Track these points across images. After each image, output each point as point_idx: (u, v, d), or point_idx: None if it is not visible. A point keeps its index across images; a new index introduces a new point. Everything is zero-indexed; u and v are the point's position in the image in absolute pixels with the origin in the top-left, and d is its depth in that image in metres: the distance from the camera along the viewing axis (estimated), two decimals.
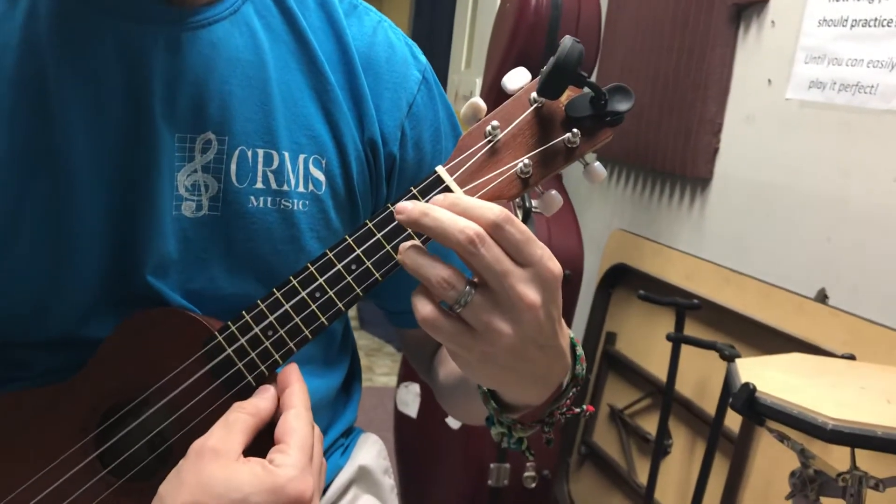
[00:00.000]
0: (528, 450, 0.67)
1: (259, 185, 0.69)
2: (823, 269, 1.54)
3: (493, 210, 0.54)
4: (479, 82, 2.81)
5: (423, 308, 0.55)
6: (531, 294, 0.54)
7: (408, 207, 0.55)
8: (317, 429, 0.62)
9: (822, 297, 1.52)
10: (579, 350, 0.63)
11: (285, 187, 0.69)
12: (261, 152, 0.69)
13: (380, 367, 3.48)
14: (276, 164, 0.69)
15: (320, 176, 0.71)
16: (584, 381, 0.65)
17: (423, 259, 0.55)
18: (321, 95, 0.72)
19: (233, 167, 0.68)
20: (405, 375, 2.09)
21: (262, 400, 0.61)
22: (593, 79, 0.64)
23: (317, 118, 0.71)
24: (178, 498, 0.55)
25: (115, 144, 0.64)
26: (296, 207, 0.70)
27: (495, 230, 0.54)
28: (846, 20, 1.51)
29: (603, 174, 0.63)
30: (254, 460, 0.57)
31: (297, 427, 0.59)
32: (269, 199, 0.69)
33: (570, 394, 0.64)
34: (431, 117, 0.77)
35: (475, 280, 0.55)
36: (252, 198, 0.68)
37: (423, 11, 3.78)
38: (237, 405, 0.61)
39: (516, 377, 0.59)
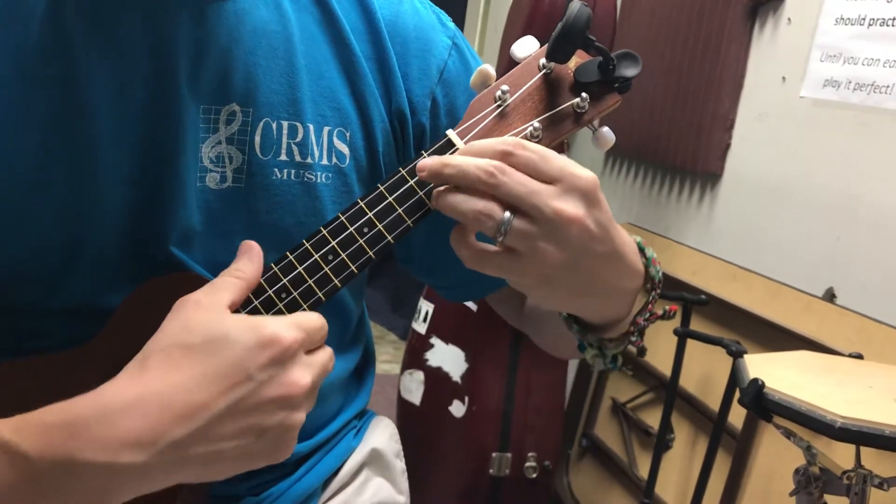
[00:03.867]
0: (625, 366, 0.68)
1: (283, 157, 0.69)
2: (832, 268, 1.54)
3: (505, 141, 0.57)
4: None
5: (465, 248, 0.57)
6: (570, 207, 0.55)
7: (428, 163, 0.58)
8: (322, 321, 0.60)
9: (829, 297, 1.52)
10: (649, 252, 0.64)
11: (309, 160, 0.69)
12: (285, 124, 0.68)
13: (382, 355, 3.48)
14: (300, 136, 0.69)
15: (344, 149, 0.71)
16: (661, 284, 0.65)
17: (457, 197, 0.57)
18: (346, 67, 0.71)
19: (257, 139, 0.68)
20: (409, 363, 2.10)
21: (249, 263, 0.61)
22: None
23: (342, 90, 0.71)
24: (160, 342, 0.54)
25: (140, 115, 0.63)
26: (319, 180, 0.70)
27: (511, 158, 0.56)
28: (863, 19, 1.50)
29: (612, 140, 0.65)
30: (236, 314, 0.56)
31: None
32: (293, 171, 0.69)
33: (651, 298, 0.64)
34: (465, 82, 0.76)
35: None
36: (276, 170, 0.68)
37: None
38: (227, 269, 0.60)
39: (585, 293, 0.59)
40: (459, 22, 3.41)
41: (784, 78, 1.69)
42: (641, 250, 0.63)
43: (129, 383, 0.53)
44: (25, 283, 0.65)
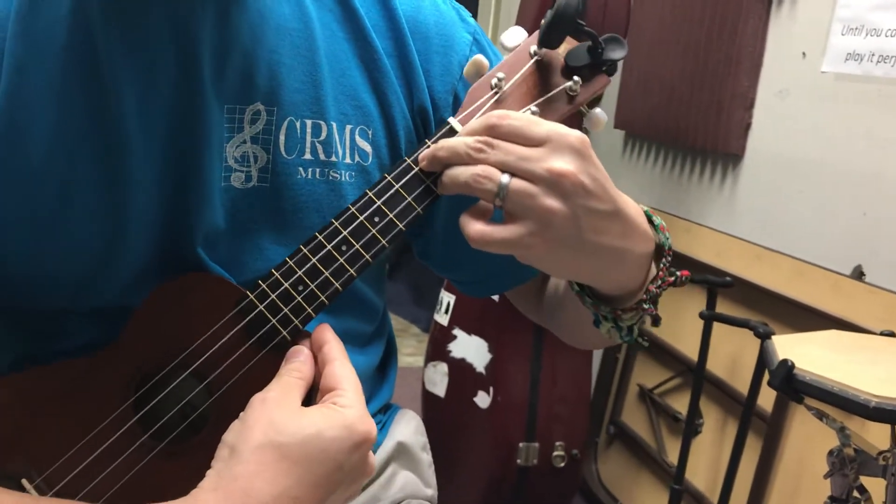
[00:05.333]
0: (641, 338, 0.69)
1: (307, 156, 0.69)
2: (859, 245, 1.52)
3: (488, 116, 0.60)
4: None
5: (471, 225, 0.59)
6: (561, 164, 0.57)
7: (425, 153, 0.62)
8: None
9: (858, 274, 1.50)
10: (656, 220, 0.65)
11: (333, 158, 0.69)
12: (309, 123, 0.68)
13: (406, 348, 3.48)
14: (324, 134, 0.69)
15: (367, 147, 0.71)
16: (671, 251, 0.66)
17: (455, 168, 0.60)
18: (368, 65, 0.71)
19: (282, 138, 0.68)
20: (432, 355, 2.09)
21: (304, 364, 0.62)
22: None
23: (363, 88, 0.71)
24: (251, 440, 0.55)
25: (165, 115, 0.63)
26: (343, 178, 0.70)
27: (495, 130, 0.59)
28: None
29: (604, 119, 0.68)
30: (316, 406, 0.58)
31: (347, 374, 0.61)
32: (318, 170, 0.69)
33: (662, 265, 0.65)
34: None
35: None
36: (300, 169, 0.68)
37: None
38: (285, 369, 0.61)
39: (595, 258, 0.60)
40: (472, 9, 3.40)
41: (804, 53, 1.66)
42: (649, 218, 0.64)
43: (227, 492, 0.54)
44: (58, 286, 0.65)
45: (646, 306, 0.66)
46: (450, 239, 0.78)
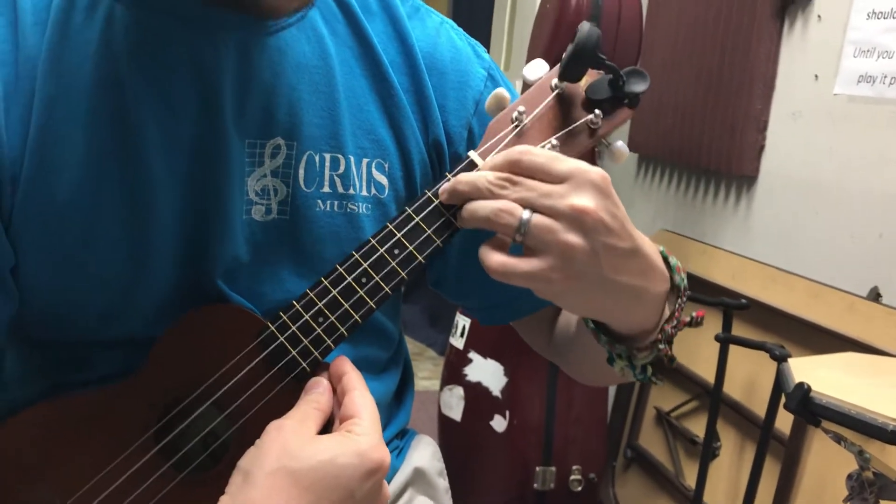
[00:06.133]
0: (654, 376, 0.68)
1: (326, 188, 0.70)
2: (876, 266, 1.51)
3: (510, 152, 0.60)
4: (518, 84, 2.81)
5: (491, 257, 0.59)
6: (582, 201, 0.57)
7: (445, 186, 0.62)
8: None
9: (874, 296, 1.49)
10: (672, 260, 0.65)
11: (351, 191, 0.71)
12: (328, 156, 0.70)
13: (421, 371, 3.48)
14: (342, 168, 0.70)
15: (383, 180, 0.72)
16: (687, 291, 0.66)
17: (476, 202, 0.60)
18: (385, 100, 0.73)
19: (301, 172, 0.69)
20: (448, 378, 2.09)
21: (322, 395, 0.62)
22: None
23: (380, 123, 0.72)
24: (265, 465, 0.56)
25: (188, 150, 0.65)
26: (360, 211, 0.71)
27: (518, 166, 0.59)
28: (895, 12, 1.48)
29: (626, 153, 0.67)
30: (331, 434, 0.59)
31: (365, 404, 0.61)
32: (336, 202, 0.70)
33: (678, 305, 0.65)
34: None
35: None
36: (319, 201, 0.69)
37: (461, 14, 3.78)
38: (304, 400, 0.62)
39: (613, 296, 0.60)
40: (486, 36, 3.43)
41: (816, 76, 1.67)
42: (665, 258, 0.64)
43: None
44: (83, 317, 0.66)
45: (661, 346, 0.65)
46: (463, 267, 0.79)
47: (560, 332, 0.83)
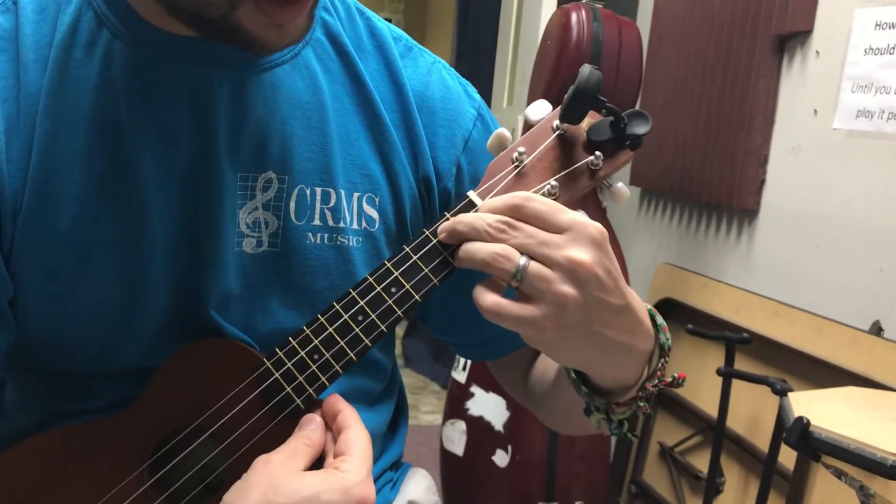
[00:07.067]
0: (630, 432, 0.68)
1: (316, 221, 0.71)
2: (877, 300, 1.51)
3: (513, 196, 0.60)
4: (521, 119, 2.83)
5: (485, 297, 0.59)
6: (579, 254, 0.57)
7: (444, 226, 0.62)
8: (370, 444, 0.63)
9: (876, 330, 1.49)
10: (659, 319, 0.65)
11: (341, 224, 0.71)
12: (318, 190, 0.71)
13: (425, 406, 3.46)
14: (332, 201, 0.71)
15: (373, 213, 0.73)
16: (670, 351, 0.65)
17: (475, 244, 0.59)
18: (376, 136, 0.74)
19: (292, 205, 0.70)
20: (450, 413, 2.08)
21: (315, 432, 0.63)
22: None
23: (371, 158, 0.73)
24: (250, 499, 0.56)
25: (182, 183, 0.66)
26: (351, 243, 0.72)
27: (519, 211, 0.59)
28: (893, 48, 1.49)
29: (626, 194, 0.67)
30: (318, 470, 0.59)
31: (359, 441, 0.61)
32: (326, 235, 0.71)
33: (661, 364, 0.65)
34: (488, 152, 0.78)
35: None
36: (309, 234, 0.70)
37: (464, 51, 3.82)
38: (296, 436, 0.62)
39: (600, 349, 0.60)
40: (489, 71, 3.46)
41: (816, 111, 1.68)
42: (652, 317, 0.64)
43: None
44: (80, 347, 0.67)
45: (641, 403, 0.65)
46: (449, 303, 0.79)
47: (537, 376, 0.83)
